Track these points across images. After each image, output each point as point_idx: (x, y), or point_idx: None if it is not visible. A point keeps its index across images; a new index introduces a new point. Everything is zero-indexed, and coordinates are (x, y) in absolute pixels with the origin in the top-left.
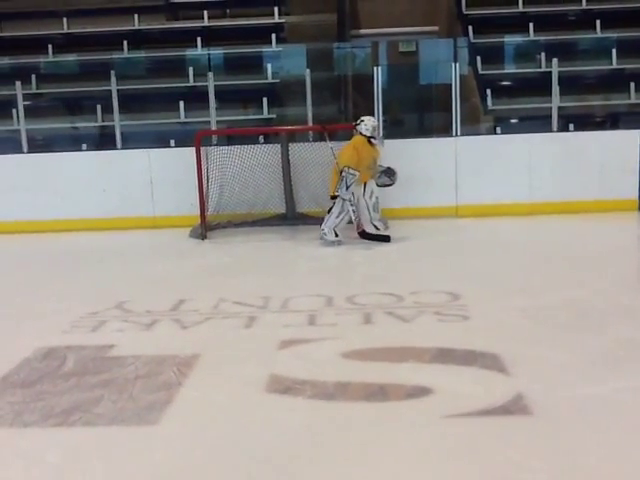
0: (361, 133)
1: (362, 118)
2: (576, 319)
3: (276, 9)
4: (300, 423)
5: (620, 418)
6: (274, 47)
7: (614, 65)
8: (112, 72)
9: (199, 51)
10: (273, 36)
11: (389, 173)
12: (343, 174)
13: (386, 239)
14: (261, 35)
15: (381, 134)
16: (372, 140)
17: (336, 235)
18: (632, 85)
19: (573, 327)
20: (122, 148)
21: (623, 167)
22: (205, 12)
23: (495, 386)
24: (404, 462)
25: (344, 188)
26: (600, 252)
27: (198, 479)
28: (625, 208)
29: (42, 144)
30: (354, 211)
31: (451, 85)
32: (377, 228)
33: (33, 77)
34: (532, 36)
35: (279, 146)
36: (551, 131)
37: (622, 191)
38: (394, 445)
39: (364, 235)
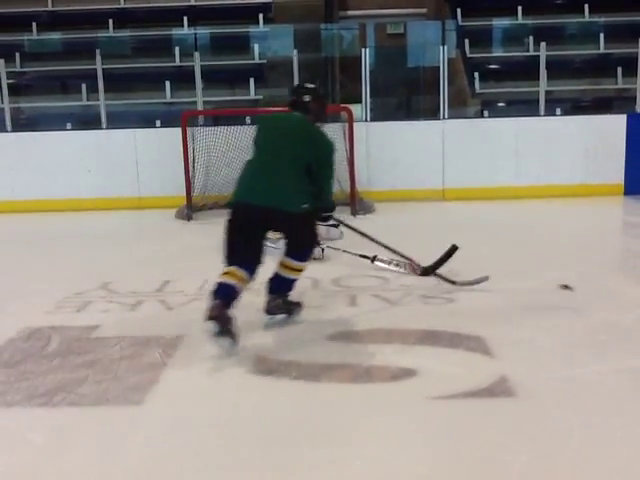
0: None
1: None
2: (561, 302)
3: None
4: (285, 404)
5: (603, 401)
6: (261, 27)
7: (602, 50)
8: (97, 51)
9: (185, 30)
10: (260, 16)
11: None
12: None
13: None
14: (248, 15)
15: None
16: None
17: None
18: (619, 70)
19: (558, 310)
20: (107, 128)
21: (609, 151)
22: None
23: (479, 368)
24: (388, 443)
25: None
26: (585, 236)
27: (182, 459)
28: (611, 192)
29: (26, 123)
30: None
31: (439, 68)
32: None
33: (17, 55)
34: (520, 20)
35: None
36: (538, 115)
37: (608, 175)
38: (379, 426)
39: None
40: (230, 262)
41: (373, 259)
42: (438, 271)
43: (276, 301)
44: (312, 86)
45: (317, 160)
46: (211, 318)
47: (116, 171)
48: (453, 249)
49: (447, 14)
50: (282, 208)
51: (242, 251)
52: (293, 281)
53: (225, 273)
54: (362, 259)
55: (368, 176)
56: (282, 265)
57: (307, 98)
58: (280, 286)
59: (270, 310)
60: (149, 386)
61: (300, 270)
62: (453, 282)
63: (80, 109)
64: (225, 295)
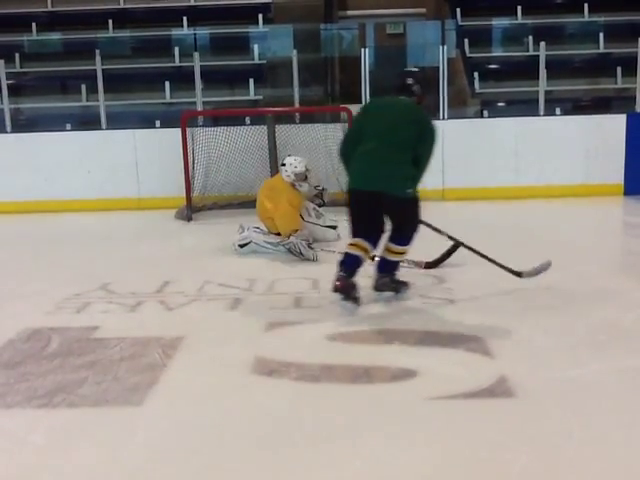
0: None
1: (285, 160)
2: (561, 302)
3: None
4: (285, 405)
5: (602, 400)
6: (261, 27)
7: (601, 49)
8: (97, 51)
9: (185, 31)
10: (260, 16)
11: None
12: (290, 246)
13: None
14: (248, 15)
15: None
16: (296, 186)
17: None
18: (619, 69)
19: (557, 310)
20: (107, 128)
21: (609, 151)
22: None
23: (479, 369)
24: (388, 443)
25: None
26: (585, 236)
27: (182, 460)
28: (611, 192)
29: (26, 123)
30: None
31: (438, 68)
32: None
33: (17, 56)
34: (520, 19)
35: (265, 127)
36: (538, 115)
37: (608, 175)
38: (379, 427)
39: None
40: (355, 235)
41: (372, 258)
42: (503, 263)
43: (383, 279)
44: (415, 69)
45: (422, 141)
46: (336, 290)
47: (116, 172)
48: (456, 246)
49: (447, 14)
50: (389, 192)
51: (363, 227)
52: (398, 262)
53: (351, 244)
54: None
55: None
56: (386, 249)
57: (410, 81)
58: (386, 266)
59: (378, 287)
60: (149, 387)
61: (402, 253)
62: (519, 274)
63: (80, 109)
64: (350, 265)
